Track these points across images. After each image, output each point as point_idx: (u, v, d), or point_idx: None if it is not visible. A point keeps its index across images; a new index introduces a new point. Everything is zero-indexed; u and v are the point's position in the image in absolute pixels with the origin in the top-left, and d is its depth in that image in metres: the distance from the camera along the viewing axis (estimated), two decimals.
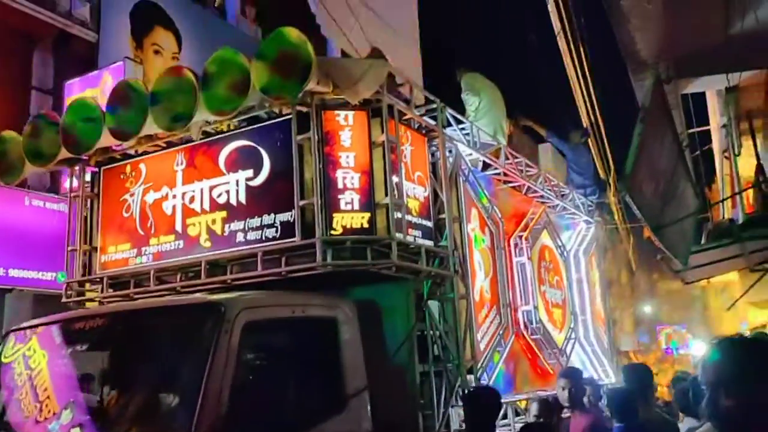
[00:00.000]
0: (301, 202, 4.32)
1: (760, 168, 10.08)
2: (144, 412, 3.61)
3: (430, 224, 5.04)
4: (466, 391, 4.79)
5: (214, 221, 4.72)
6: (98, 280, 5.19)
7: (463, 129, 5.91)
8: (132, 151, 5.30)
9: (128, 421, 3.57)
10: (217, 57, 4.22)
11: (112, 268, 5.14)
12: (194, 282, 4.74)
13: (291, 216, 4.38)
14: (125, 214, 5.15)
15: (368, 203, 4.44)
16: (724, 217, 12.26)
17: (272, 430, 3.71)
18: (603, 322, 8.79)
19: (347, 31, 13.32)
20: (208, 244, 4.72)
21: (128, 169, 5.21)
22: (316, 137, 4.39)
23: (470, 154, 5.88)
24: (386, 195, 4.44)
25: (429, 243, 4.97)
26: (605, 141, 9.95)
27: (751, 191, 10.92)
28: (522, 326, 6.44)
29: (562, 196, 8.17)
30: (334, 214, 4.37)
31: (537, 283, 6.73)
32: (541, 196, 7.70)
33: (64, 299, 5.23)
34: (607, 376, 8.41)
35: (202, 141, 4.89)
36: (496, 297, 5.76)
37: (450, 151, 5.50)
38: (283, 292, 4.32)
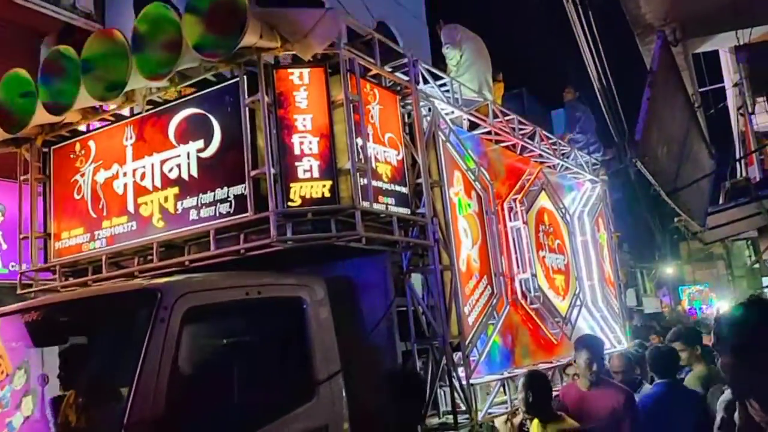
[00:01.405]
0: (253, 173, 3.90)
1: None
2: (75, 410, 3.25)
3: (405, 190, 4.60)
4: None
5: (166, 199, 4.32)
6: (53, 268, 4.83)
7: (443, 86, 5.42)
8: (84, 128, 4.91)
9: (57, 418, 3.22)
10: (147, 14, 3.78)
11: (67, 255, 4.78)
12: (151, 266, 4.35)
13: (245, 188, 3.96)
14: (77, 197, 4.77)
15: (329, 170, 4.01)
16: (740, 176, 11.93)
17: (224, 427, 3.36)
18: (613, 286, 8.31)
19: (352, 6, 12.81)
20: (161, 224, 4.33)
21: (78, 147, 4.82)
22: (267, 99, 3.95)
23: (451, 113, 5.40)
24: (349, 160, 3.99)
25: (404, 211, 4.53)
26: (619, 107, 9.66)
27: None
28: (520, 295, 6.00)
29: (563, 154, 7.66)
30: (292, 184, 3.95)
31: (535, 249, 6.27)
32: (539, 156, 7.21)
33: (19, 290, 4.89)
34: (619, 342, 7.97)
35: (151, 112, 4.48)
36: (486, 266, 5.32)
37: (428, 110, 5.03)
38: (236, 273, 3.92)
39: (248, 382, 3.60)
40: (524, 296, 6.02)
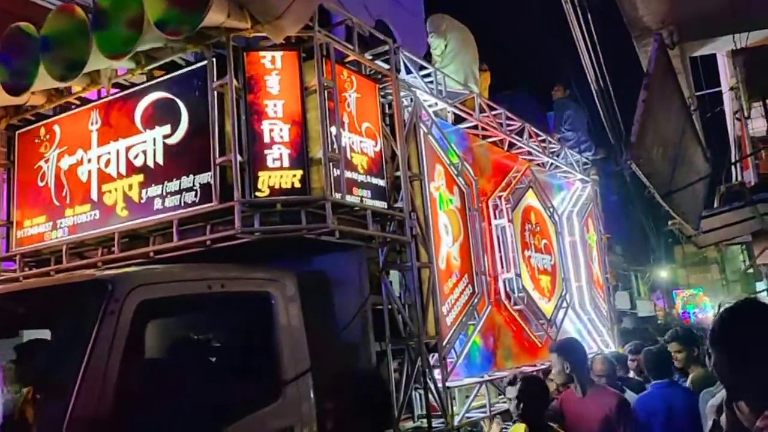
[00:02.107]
0: (219, 160, 3.70)
1: None
2: (23, 405, 3.06)
3: (382, 183, 4.41)
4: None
5: (130, 187, 4.12)
6: (15, 258, 4.63)
7: (426, 76, 5.23)
8: (50, 112, 4.71)
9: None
10: None
11: (29, 244, 4.58)
12: (114, 257, 4.15)
13: (211, 177, 3.77)
14: (40, 184, 4.56)
15: (300, 159, 3.81)
16: (736, 180, 11.89)
17: (178, 428, 3.16)
18: (602, 288, 8.13)
19: (350, 4, 12.64)
20: (124, 213, 4.13)
21: (42, 132, 4.61)
22: (236, 83, 3.75)
23: (435, 104, 5.21)
24: (323, 150, 3.80)
25: (381, 204, 4.34)
26: (616, 109, 9.63)
27: (763, 153, 10.57)
28: (503, 296, 5.81)
29: (552, 153, 7.48)
30: (260, 173, 3.75)
31: (520, 248, 6.08)
32: (528, 153, 7.02)
33: None
34: (606, 346, 7.79)
35: (117, 96, 4.28)
36: (467, 264, 5.13)
37: (409, 100, 4.84)
38: (198, 265, 3.72)
39: (208, 381, 3.40)
40: (508, 297, 5.83)
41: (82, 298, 3.14)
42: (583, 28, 8.39)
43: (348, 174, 4.06)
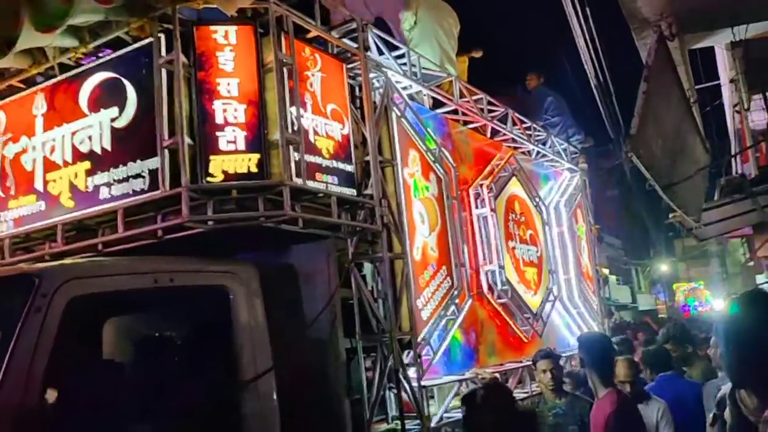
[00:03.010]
0: (166, 142, 3.40)
1: None
2: None
3: (351, 169, 4.11)
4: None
5: (76, 175, 3.82)
6: None
7: (400, 57, 4.93)
8: None
9: None
10: None
11: None
12: (60, 250, 3.84)
13: (159, 162, 3.47)
14: None
15: (257, 142, 3.51)
16: (736, 173, 11.77)
17: None
18: (592, 281, 7.86)
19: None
20: (70, 203, 3.82)
21: None
22: (184, 60, 3.46)
23: (409, 87, 4.92)
24: (281, 131, 3.50)
25: (349, 191, 4.05)
26: (614, 102, 9.56)
27: (763, 145, 10.45)
28: (485, 289, 5.53)
29: (538, 140, 7.19)
30: (212, 157, 3.45)
31: (504, 239, 5.80)
32: (513, 141, 6.74)
33: None
34: None
35: (62, 77, 3.97)
36: (445, 255, 4.84)
37: (381, 82, 4.54)
38: (143, 258, 3.42)
39: (152, 385, 3.11)
40: (491, 290, 5.55)
41: (8, 294, 2.84)
42: (582, 21, 8.34)
43: (310, 158, 3.77)
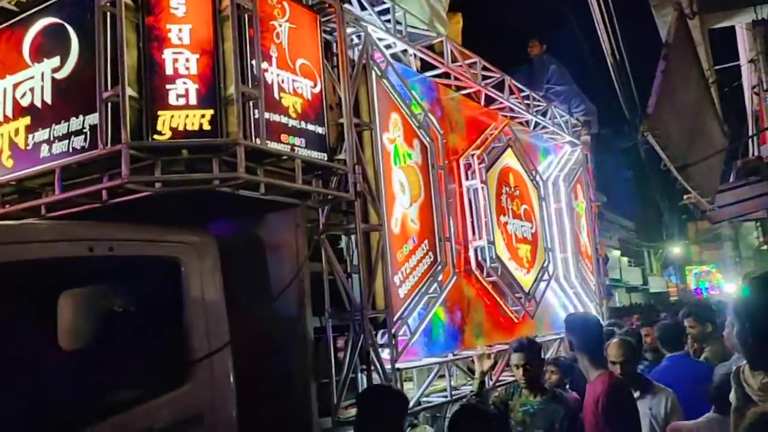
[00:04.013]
0: (105, 94, 3.04)
1: None
2: None
3: (322, 131, 3.74)
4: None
5: (17, 131, 3.47)
6: None
7: (384, 13, 4.54)
8: None
9: None
10: None
11: None
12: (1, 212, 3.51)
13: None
14: None
15: (211, 96, 3.15)
16: (753, 155, 11.50)
17: (38, 423, 2.56)
18: (591, 260, 7.50)
19: None
20: (10, 162, 3.48)
21: None
22: (128, 1, 3.08)
23: (393, 45, 4.53)
24: (236, 84, 3.13)
25: (319, 155, 3.68)
26: (631, 81, 9.30)
27: None
28: (474, 266, 5.18)
29: (537, 110, 6.79)
30: (160, 112, 3.09)
31: (495, 213, 5.44)
32: (510, 110, 6.35)
33: None
34: None
35: (6, 25, 3.60)
36: (428, 229, 4.48)
37: (358, 37, 4.16)
38: (77, 223, 3.08)
39: (84, 365, 2.78)
40: (479, 267, 5.20)
41: None
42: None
43: (274, 117, 3.40)
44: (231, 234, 3.87)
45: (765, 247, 15.72)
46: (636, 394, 3.76)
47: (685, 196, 7.94)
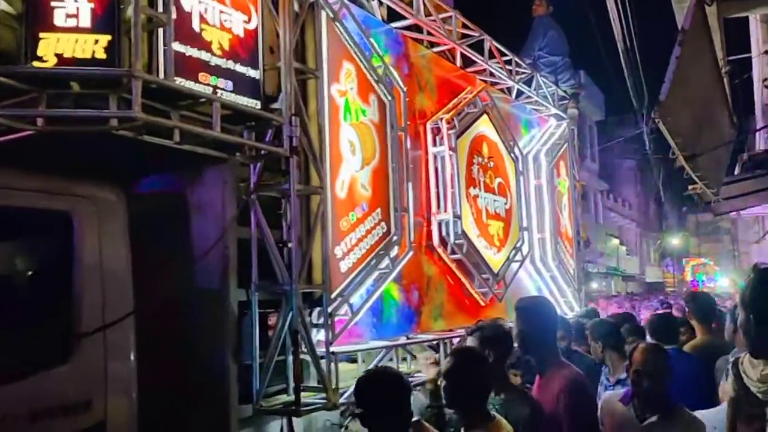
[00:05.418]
0: None
1: None
2: None
3: (255, 74, 3.21)
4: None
5: None
6: None
7: None
8: None
9: None
10: None
11: None
12: None
13: None
14: None
15: (108, 19, 2.61)
16: (759, 148, 11.35)
17: None
18: (571, 243, 7.03)
19: None
20: None
21: None
22: None
23: None
24: (135, 4, 2.60)
25: (250, 102, 3.16)
26: (639, 66, 8.98)
27: None
28: (437, 241, 4.69)
29: (521, 78, 6.27)
30: (43, 34, 2.55)
31: (464, 185, 4.94)
32: (491, 75, 5.83)
33: None
34: (571, 308, 6.74)
35: None
36: (382, 196, 3.98)
37: None
38: None
39: None
40: (442, 243, 4.71)
41: None
42: None
43: (191, 51, 2.87)
44: (153, 191, 3.38)
45: (764, 241, 15.58)
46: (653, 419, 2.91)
47: (690, 187, 7.63)
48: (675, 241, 34.16)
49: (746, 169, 9.47)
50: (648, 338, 4.32)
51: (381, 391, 2.49)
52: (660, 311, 6.51)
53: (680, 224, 34.54)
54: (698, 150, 6.31)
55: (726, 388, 3.00)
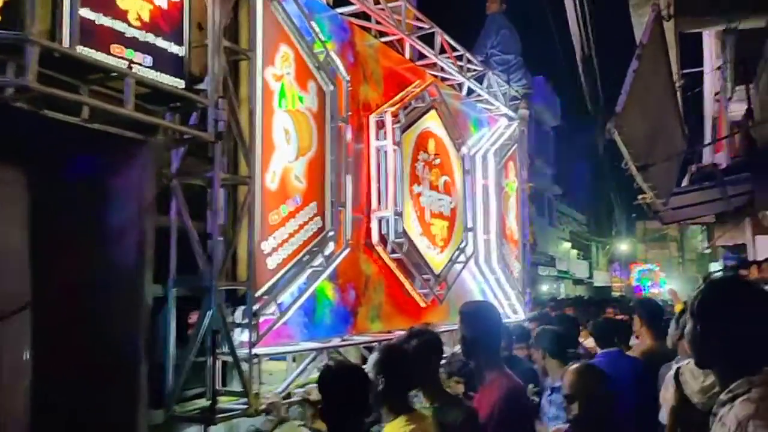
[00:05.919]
0: None
1: (749, 112, 9.42)
2: None
3: (179, 51, 2.95)
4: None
5: None
6: None
7: None
8: None
9: None
10: None
11: None
12: None
13: None
14: None
15: None
16: (707, 161, 11.87)
17: None
18: (516, 245, 6.93)
19: None
20: None
21: None
22: None
23: None
24: None
25: (172, 81, 2.90)
26: (597, 76, 9.04)
27: (737, 136, 10.30)
28: (376, 239, 4.49)
29: (472, 75, 6.12)
30: None
31: (407, 181, 4.75)
32: (441, 70, 5.66)
33: None
34: (515, 312, 6.64)
35: None
36: (317, 189, 3.75)
37: None
38: None
39: None
40: (382, 241, 4.52)
41: None
42: None
43: (104, 20, 2.60)
44: (68, 173, 3.08)
45: (708, 250, 16.21)
46: None
47: (639, 196, 7.75)
48: (623, 246, 35.18)
49: (694, 181, 9.84)
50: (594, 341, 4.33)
51: (347, 386, 2.32)
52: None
53: (629, 230, 35.54)
54: (650, 160, 6.44)
55: (667, 396, 2.95)
